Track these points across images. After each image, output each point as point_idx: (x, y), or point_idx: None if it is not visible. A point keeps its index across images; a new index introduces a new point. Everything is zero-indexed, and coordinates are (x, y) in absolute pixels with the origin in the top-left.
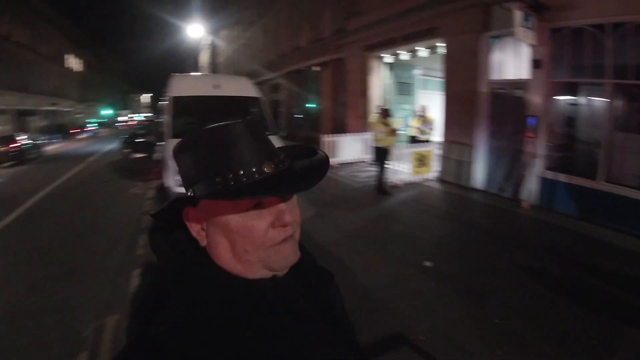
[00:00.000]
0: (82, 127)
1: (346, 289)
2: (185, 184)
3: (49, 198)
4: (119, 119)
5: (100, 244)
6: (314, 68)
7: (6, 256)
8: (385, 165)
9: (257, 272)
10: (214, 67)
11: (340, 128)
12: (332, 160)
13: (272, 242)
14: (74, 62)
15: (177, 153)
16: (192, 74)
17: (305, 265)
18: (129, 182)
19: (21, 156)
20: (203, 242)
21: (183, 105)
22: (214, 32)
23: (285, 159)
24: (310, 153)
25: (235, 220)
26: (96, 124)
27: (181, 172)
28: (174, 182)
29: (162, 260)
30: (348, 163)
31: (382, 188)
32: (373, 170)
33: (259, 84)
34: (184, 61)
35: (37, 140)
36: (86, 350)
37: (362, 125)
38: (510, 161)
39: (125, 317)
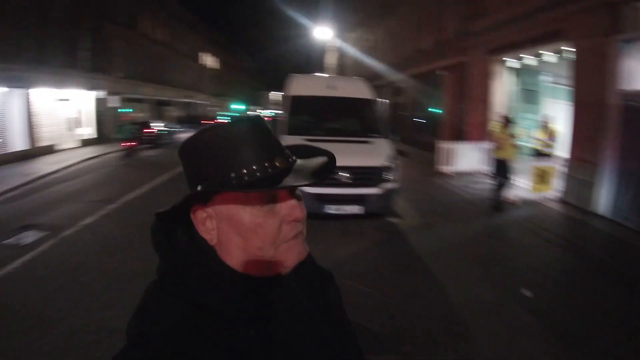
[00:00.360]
0: (213, 119)
1: (432, 304)
2: (194, 180)
3: (172, 178)
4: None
5: None
6: (437, 72)
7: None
8: (503, 179)
9: (268, 269)
10: (341, 69)
11: (460, 135)
12: (447, 169)
13: (285, 238)
14: (210, 60)
15: (185, 150)
16: (310, 74)
17: (306, 266)
18: None
19: (155, 141)
20: (213, 241)
21: (299, 104)
22: (340, 33)
23: (291, 155)
24: (316, 152)
25: (248, 217)
26: (227, 118)
27: (188, 169)
28: None
29: (164, 260)
30: (464, 173)
31: (495, 203)
32: (489, 182)
33: (382, 87)
34: (310, 62)
35: (171, 128)
36: None
37: (482, 134)
38: None
39: None
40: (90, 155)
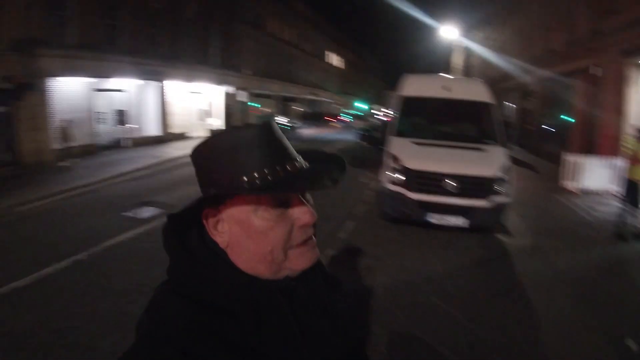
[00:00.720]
0: (336, 116)
1: (520, 339)
2: (205, 184)
3: None
4: (373, 112)
5: None
6: (568, 75)
7: None
8: (633, 204)
9: (278, 273)
10: (467, 70)
11: (591, 148)
12: (572, 185)
13: (295, 242)
14: (335, 59)
15: (198, 154)
16: (424, 74)
17: (314, 271)
18: (360, 170)
19: None
20: (224, 244)
21: (410, 105)
22: (466, 32)
23: (304, 160)
24: (328, 157)
25: (259, 220)
26: (350, 116)
27: (200, 172)
28: (384, 178)
29: (175, 261)
30: (591, 191)
31: (621, 231)
32: (618, 206)
33: (510, 90)
34: (435, 62)
35: (294, 124)
36: None
37: (614, 148)
38: None
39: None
40: None
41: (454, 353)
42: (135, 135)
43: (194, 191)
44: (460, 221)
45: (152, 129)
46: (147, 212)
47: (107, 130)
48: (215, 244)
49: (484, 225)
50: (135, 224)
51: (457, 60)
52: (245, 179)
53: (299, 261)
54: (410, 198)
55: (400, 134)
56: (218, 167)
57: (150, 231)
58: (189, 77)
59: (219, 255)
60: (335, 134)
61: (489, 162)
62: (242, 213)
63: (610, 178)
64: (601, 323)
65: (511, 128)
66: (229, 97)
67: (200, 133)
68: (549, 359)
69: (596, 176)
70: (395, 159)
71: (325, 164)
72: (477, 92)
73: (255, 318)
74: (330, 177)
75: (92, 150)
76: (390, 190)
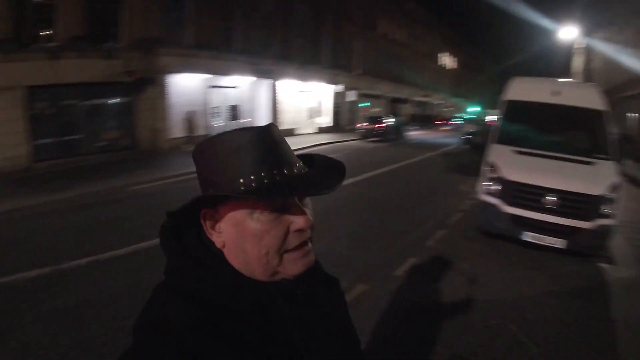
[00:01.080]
0: (447, 119)
1: None
2: (205, 184)
3: (389, 173)
4: (487, 117)
5: (400, 224)
6: None
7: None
8: None
9: (273, 275)
10: (588, 74)
11: None
12: None
13: (290, 246)
14: (448, 60)
15: (198, 154)
16: (533, 78)
17: (312, 271)
18: (462, 177)
19: (384, 135)
20: (220, 244)
21: (514, 110)
22: (587, 33)
23: (302, 165)
24: (330, 162)
25: (254, 223)
26: (461, 119)
27: (200, 173)
28: (480, 187)
29: (173, 260)
30: None
31: None
32: None
33: (635, 99)
34: (553, 66)
35: (401, 125)
36: None
37: None
38: None
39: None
40: (325, 141)
41: None
42: None
43: None
44: (558, 242)
45: (264, 124)
46: None
47: (220, 124)
48: (212, 244)
49: (585, 249)
50: None
51: (578, 64)
52: (241, 181)
53: (293, 266)
54: (505, 212)
55: (502, 141)
56: (216, 168)
57: None
58: (300, 76)
59: (216, 255)
60: (444, 137)
61: (596, 178)
62: (238, 215)
63: None
64: None
65: (631, 142)
66: (337, 96)
67: (308, 130)
68: None
69: None
70: (493, 167)
71: (325, 170)
72: (590, 98)
73: (255, 318)
74: (327, 183)
75: None
76: (484, 201)
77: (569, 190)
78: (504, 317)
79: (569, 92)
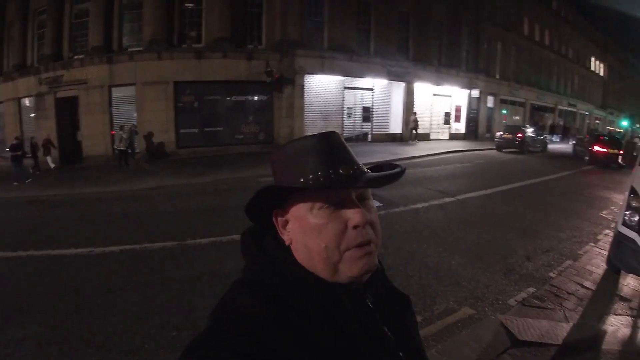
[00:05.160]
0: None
1: None
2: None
3: (522, 189)
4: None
5: (524, 247)
6: None
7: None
8: None
9: (335, 275)
10: None
11: None
12: None
13: (349, 243)
14: (598, 67)
15: (272, 159)
16: None
17: (384, 287)
18: (608, 202)
19: (522, 146)
20: (289, 241)
21: None
22: None
23: (361, 166)
24: (390, 167)
25: (313, 218)
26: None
27: (273, 175)
28: (620, 220)
29: (248, 259)
30: None
31: None
32: None
33: None
34: None
35: (540, 136)
36: None
37: None
38: None
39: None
40: (457, 149)
41: None
42: (379, 131)
43: (415, 192)
44: None
45: (396, 127)
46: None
47: (354, 124)
48: (284, 243)
49: None
50: None
51: None
52: (302, 180)
53: (353, 266)
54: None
55: None
56: (284, 170)
57: None
58: (435, 80)
59: (288, 252)
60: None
61: None
62: (300, 211)
63: None
64: None
65: None
66: (473, 101)
67: (443, 136)
68: None
69: None
70: (635, 194)
71: (384, 172)
72: None
73: (321, 317)
74: (377, 182)
75: None
76: (621, 233)
77: None
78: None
79: None
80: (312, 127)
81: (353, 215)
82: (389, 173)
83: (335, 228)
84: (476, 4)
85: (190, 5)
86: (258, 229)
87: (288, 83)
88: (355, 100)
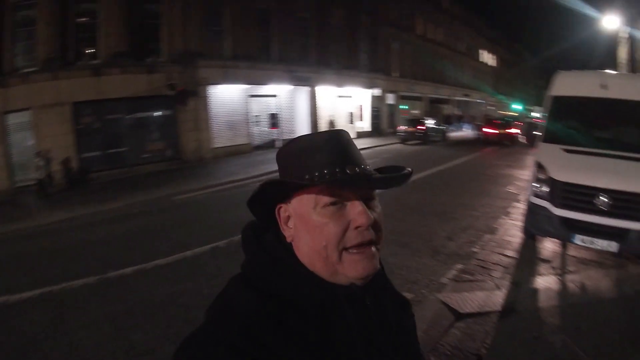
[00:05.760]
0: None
1: None
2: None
3: (433, 176)
4: (532, 114)
5: (446, 229)
6: None
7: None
8: None
9: (335, 275)
10: (633, 65)
11: None
12: None
13: (350, 243)
14: (487, 57)
15: (278, 156)
16: (580, 71)
17: (384, 288)
18: (511, 178)
19: (424, 137)
20: (290, 238)
21: (562, 106)
22: (631, 22)
23: (367, 166)
24: (396, 168)
25: (315, 215)
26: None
27: (279, 171)
28: (528, 190)
29: (248, 255)
30: None
31: None
32: None
33: None
34: (598, 57)
35: (441, 126)
36: None
37: None
38: None
39: None
40: (365, 146)
41: None
42: (287, 136)
43: None
44: (612, 246)
45: (303, 130)
46: None
47: (261, 132)
48: (285, 239)
49: None
50: None
51: (622, 54)
52: (307, 177)
53: (353, 267)
54: (554, 214)
55: (549, 139)
56: (289, 166)
57: None
58: (338, 82)
59: (288, 249)
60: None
61: None
62: (303, 207)
63: None
64: None
65: None
66: (375, 100)
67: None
68: None
69: None
70: (541, 168)
71: (390, 173)
72: None
73: (318, 317)
74: (382, 183)
75: (248, 150)
76: (533, 203)
77: (623, 190)
78: (554, 326)
79: (618, 84)
80: (220, 138)
81: (357, 216)
82: (396, 175)
83: (338, 227)
84: (372, 7)
85: (84, 19)
86: (259, 224)
87: (192, 95)
88: (261, 107)
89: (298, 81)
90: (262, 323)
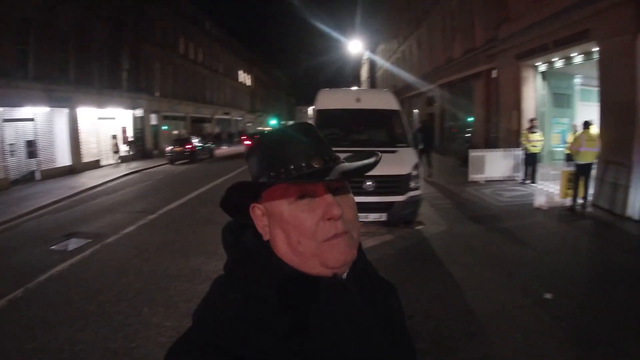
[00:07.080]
0: (253, 135)
1: (452, 307)
2: (252, 178)
3: (208, 191)
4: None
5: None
6: (468, 80)
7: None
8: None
9: (314, 268)
10: (372, 81)
11: (493, 143)
12: (478, 177)
13: (324, 235)
14: (245, 77)
15: (247, 156)
16: (338, 89)
17: (369, 276)
18: None
19: (193, 156)
20: (266, 236)
21: (326, 117)
22: (373, 46)
23: (334, 157)
24: (367, 155)
25: (287, 211)
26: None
27: (250, 171)
28: None
29: (230, 256)
30: (495, 180)
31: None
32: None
33: (414, 97)
34: (345, 75)
35: (206, 144)
36: None
37: (514, 141)
38: None
39: None
40: (133, 169)
41: None
42: (47, 166)
43: (117, 219)
44: (383, 216)
45: (64, 159)
46: (74, 243)
47: (19, 163)
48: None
49: (402, 218)
50: (65, 256)
51: (364, 73)
52: (272, 174)
53: (331, 255)
54: None
55: None
56: (257, 163)
57: (84, 261)
58: (100, 103)
59: (268, 248)
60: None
61: (402, 161)
62: (274, 205)
63: (511, 167)
64: (518, 281)
65: (424, 131)
66: (138, 121)
67: (113, 160)
68: (481, 318)
69: (499, 166)
70: None
71: (357, 164)
72: (386, 101)
73: (301, 310)
74: (350, 174)
75: (5, 185)
76: None
77: (383, 174)
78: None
79: (368, 98)
80: None
81: (327, 208)
82: (360, 164)
83: (310, 221)
84: (136, 23)
85: None
86: (237, 223)
87: None
88: (17, 134)
89: (56, 102)
90: (248, 323)
